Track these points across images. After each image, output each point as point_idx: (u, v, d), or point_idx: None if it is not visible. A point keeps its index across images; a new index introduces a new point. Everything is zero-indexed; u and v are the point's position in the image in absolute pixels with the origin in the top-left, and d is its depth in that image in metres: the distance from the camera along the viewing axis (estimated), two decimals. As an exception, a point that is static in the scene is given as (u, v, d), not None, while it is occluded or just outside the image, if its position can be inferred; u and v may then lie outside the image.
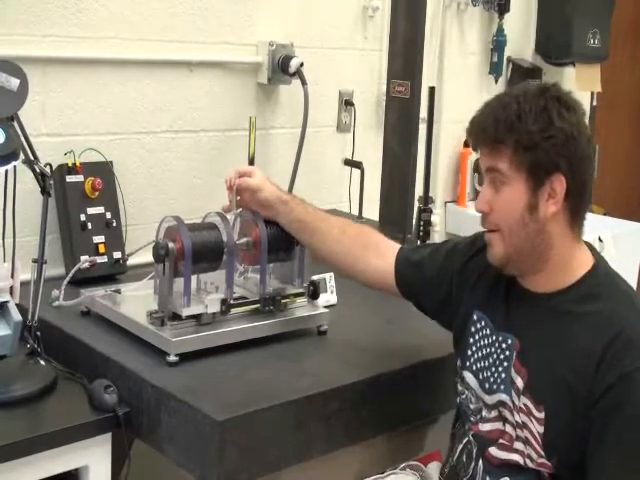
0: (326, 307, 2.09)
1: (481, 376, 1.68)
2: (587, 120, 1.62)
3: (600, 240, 3.14)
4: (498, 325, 1.66)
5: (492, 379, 1.66)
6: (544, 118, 1.52)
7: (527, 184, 1.54)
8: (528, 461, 1.59)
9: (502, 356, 1.64)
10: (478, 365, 1.69)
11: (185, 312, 1.85)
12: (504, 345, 1.64)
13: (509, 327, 1.64)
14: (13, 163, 1.77)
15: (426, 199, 2.81)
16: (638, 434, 1.48)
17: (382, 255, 1.89)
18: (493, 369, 1.66)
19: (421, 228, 2.77)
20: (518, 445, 1.61)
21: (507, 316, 1.65)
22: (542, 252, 1.58)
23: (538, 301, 1.62)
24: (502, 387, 1.64)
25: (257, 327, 1.92)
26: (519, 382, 1.60)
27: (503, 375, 1.63)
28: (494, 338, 1.66)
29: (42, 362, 1.86)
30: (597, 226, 3.27)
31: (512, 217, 1.56)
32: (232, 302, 1.91)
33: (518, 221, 1.56)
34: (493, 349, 1.66)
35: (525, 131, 1.52)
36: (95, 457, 1.75)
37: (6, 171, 1.85)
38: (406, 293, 1.87)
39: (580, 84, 3.69)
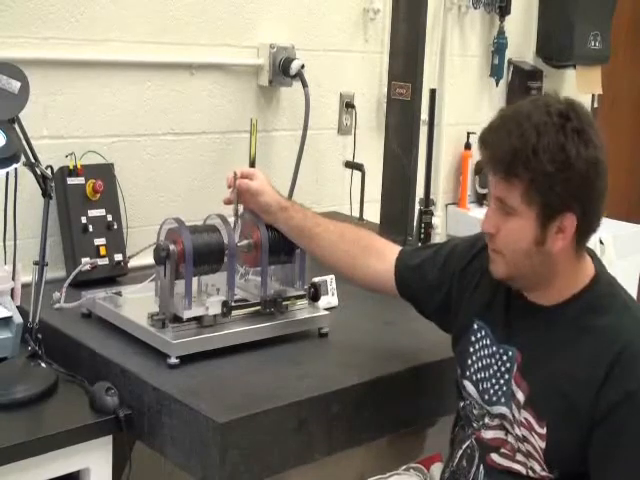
0: (327, 309, 2.09)
1: (481, 387, 1.67)
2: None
3: (601, 242, 3.14)
4: (498, 336, 1.65)
5: (492, 391, 1.65)
6: (562, 157, 1.45)
7: (537, 220, 1.50)
8: (530, 472, 1.59)
9: (503, 368, 1.63)
10: (478, 376, 1.68)
11: (186, 314, 1.85)
12: (505, 357, 1.63)
13: (510, 339, 1.63)
14: (14, 165, 1.77)
15: (427, 201, 2.81)
16: None
17: (382, 258, 1.89)
18: (493, 380, 1.64)
19: (422, 230, 2.77)
20: (520, 457, 1.60)
21: (508, 327, 1.64)
22: (545, 276, 1.57)
23: (540, 313, 1.60)
24: (502, 400, 1.63)
25: (258, 329, 1.92)
26: (520, 396, 1.59)
27: (504, 388, 1.62)
28: (494, 349, 1.65)
29: (43, 364, 1.86)
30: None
31: (518, 247, 1.53)
32: (233, 304, 1.90)
33: (523, 251, 1.53)
34: (493, 360, 1.65)
35: (541, 171, 1.45)
36: (96, 459, 1.75)
37: (7, 173, 1.86)
38: (406, 296, 1.87)
39: (581, 86, 3.70)
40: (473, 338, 1.69)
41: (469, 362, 1.70)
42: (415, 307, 1.88)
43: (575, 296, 1.57)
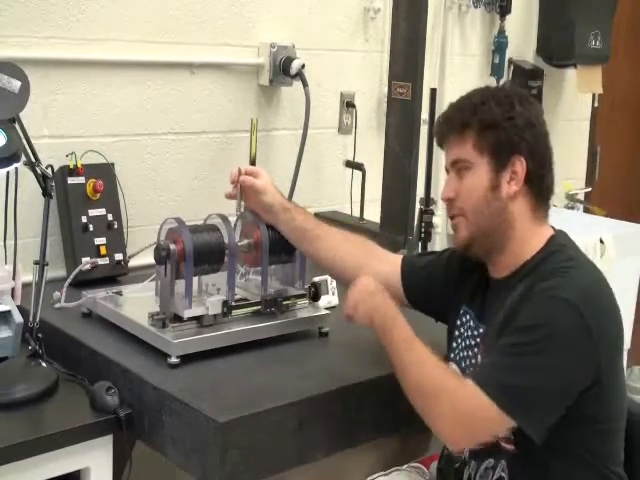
0: (327, 309, 2.09)
1: (463, 364, 1.75)
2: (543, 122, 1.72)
3: (601, 242, 3.14)
4: (477, 316, 1.74)
5: (472, 367, 1.72)
6: (506, 103, 1.66)
7: (489, 166, 1.65)
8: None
9: (474, 342, 1.73)
10: (460, 355, 1.76)
11: (186, 314, 1.85)
12: (476, 333, 1.72)
13: (483, 317, 1.72)
14: (15, 165, 1.77)
15: (427, 200, 2.81)
16: (523, 337, 1.54)
17: (385, 262, 1.94)
18: (474, 357, 1.72)
19: (422, 230, 2.76)
20: None
21: (483, 308, 1.73)
22: (504, 231, 1.66)
23: (499, 286, 1.69)
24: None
25: (258, 329, 1.92)
26: (479, 360, 1.69)
27: (473, 360, 1.72)
28: (474, 330, 1.73)
29: (43, 364, 1.86)
30: (598, 228, 3.26)
31: (476, 197, 1.66)
32: (233, 304, 1.91)
33: (481, 200, 1.65)
34: (473, 341, 1.73)
35: (488, 112, 1.65)
36: (96, 459, 1.75)
37: (7, 173, 1.86)
38: (414, 302, 1.91)
39: (581, 86, 3.69)
40: (459, 322, 1.78)
41: (454, 345, 1.78)
42: (423, 310, 1.92)
43: (526, 262, 1.66)
